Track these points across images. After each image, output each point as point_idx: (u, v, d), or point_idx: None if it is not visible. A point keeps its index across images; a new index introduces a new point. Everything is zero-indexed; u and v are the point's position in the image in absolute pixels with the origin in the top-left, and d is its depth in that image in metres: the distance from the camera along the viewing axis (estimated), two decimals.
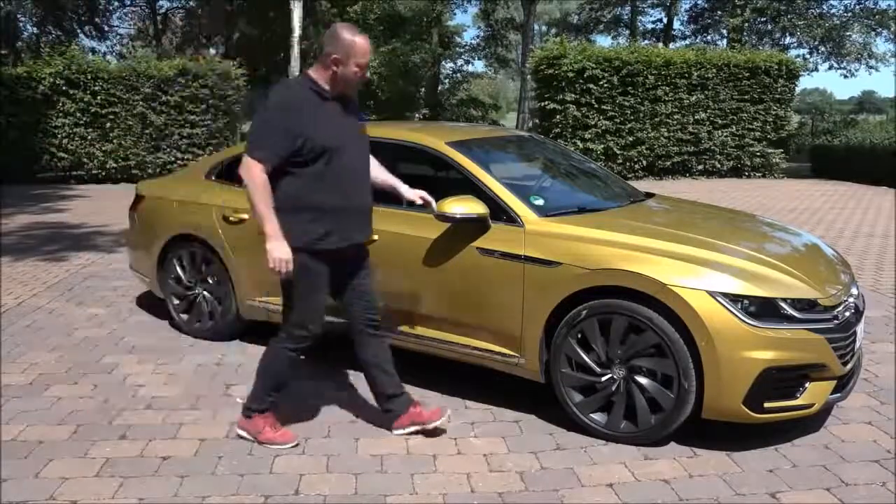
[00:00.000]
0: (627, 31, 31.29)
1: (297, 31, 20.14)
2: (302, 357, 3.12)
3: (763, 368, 2.90)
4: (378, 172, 3.31)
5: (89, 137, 14.19)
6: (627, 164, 15.11)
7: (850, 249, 7.53)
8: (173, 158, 14.44)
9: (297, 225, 2.88)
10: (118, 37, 30.66)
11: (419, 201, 3.34)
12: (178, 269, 4.57)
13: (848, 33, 25.49)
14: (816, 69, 30.39)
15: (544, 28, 46.37)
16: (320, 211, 2.89)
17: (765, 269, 3.11)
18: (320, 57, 2.92)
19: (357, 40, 2.84)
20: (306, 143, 2.82)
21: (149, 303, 5.33)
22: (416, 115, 29.17)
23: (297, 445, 3.12)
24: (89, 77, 14.05)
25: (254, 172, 2.81)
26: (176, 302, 4.64)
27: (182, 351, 4.35)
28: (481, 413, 3.49)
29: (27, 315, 5.09)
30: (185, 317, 4.62)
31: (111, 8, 28.76)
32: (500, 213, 3.43)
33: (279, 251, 2.84)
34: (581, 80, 14.66)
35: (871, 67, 26.47)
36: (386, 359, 3.22)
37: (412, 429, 3.22)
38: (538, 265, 3.25)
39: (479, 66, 60.10)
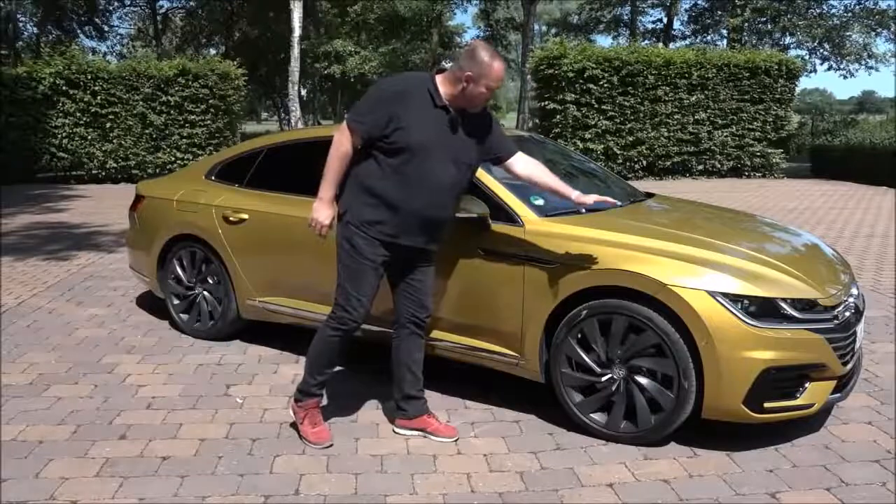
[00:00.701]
0: (627, 31, 31.31)
1: (297, 31, 20.15)
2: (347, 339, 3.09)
3: (763, 368, 2.90)
4: (546, 180, 3.18)
5: (89, 137, 14.21)
6: (627, 164, 15.12)
7: (850, 249, 7.54)
8: (173, 158, 14.46)
9: (358, 205, 2.95)
10: (118, 37, 30.73)
11: (591, 202, 3.16)
12: (178, 269, 4.57)
13: (848, 33, 25.50)
14: (815, 70, 30.44)
15: (544, 28, 46.38)
16: (383, 201, 2.92)
17: (765, 269, 3.10)
18: (453, 69, 2.92)
19: (495, 65, 2.84)
20: (395, 133, 2.84)
21: (149, 303, 5.33)
22: None
23: (330, 446, 3.12)
24: (89, 77, 14.07)
25: (343, 138, 2.91)
26: (176, 302, 4.64)
27: (182, 351, 4.35)
28: (481, 413, 3.49)
29: (27, 315, 5.09)
30: (185, 317, 4.62)
31: (111, 8, 28.80)
32: (500, 212, 3.42)
33: (320, 213, 2.97)
34: (581, 80, 14.67)
35: (870, 68, 26.49)
36: (418, 361, 3.26)
37: (414, 432, 3.23)
38: (538, 265, 3.25)
39: None
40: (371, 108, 2.88)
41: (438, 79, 2.93)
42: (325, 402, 3.59)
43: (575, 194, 3.15)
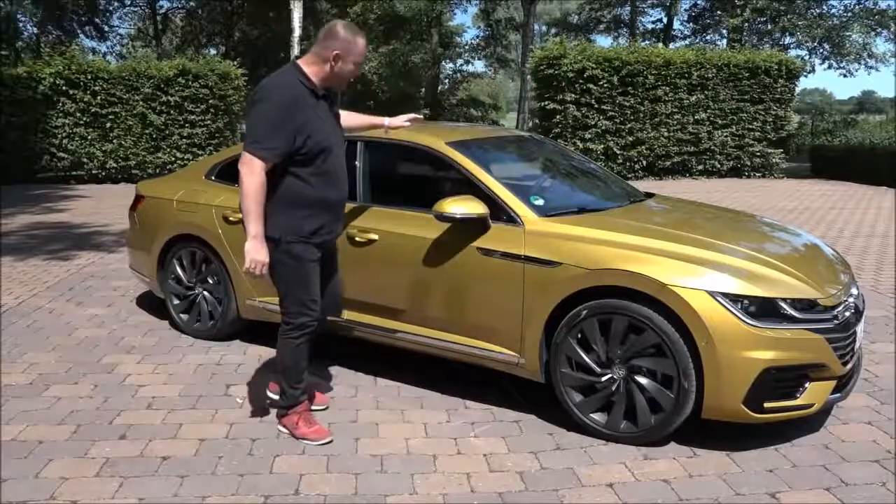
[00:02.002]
0: (627, 31, 31.30)
1: (297, 31, 20.14)
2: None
3: (763, 368, 2.90)
4: (358, 120, 3.56)
5: (89, 137, 14.19)
6: (627, 164, 15.11)
7: (850, 249, 7.54)
8: (173, 158, 14.45)
9: (293, 222, 2.94)
10: (118, 37, 30.69)
11: (407, 123, 3.66)
12: (178, 269, 4.57)
13: (848, 33, 25.50)
14: (814, 70, 30.44)
15: (544, 28, 46.36)
16: (317, 207, 2.98)
17: (765, 269, 3.10)
18: (316, 50, 2.94)
19: (359, 40, 2.93)
20: (307, 142, 2.86)
21: (149, 303, 5.33)
22: None
23: (331, 441, 3.14)
24: (89, 77, 14.06)
25: (254, 169, 2.81)
26: (176, 302, 4.64)
27: (182, 351, 4.35)
28: (481, 413, 3.49)
29: (27, 315, 5.09)
30: (185, 317, 4.62)
31: (111, 8, 28.78)
32: (499, 213, 3.43)
33: (258, 253, 2.88)
34: (581, 80, 14.66)
35: (870, 68, 26.49)
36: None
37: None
38: (538, 265, 3.25)
39: (479, 66, 60.10)
40: (274, 131, 2.81)
41: (304, 67, 2.94)
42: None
43: (387, 121, 3.63)
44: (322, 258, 3.11)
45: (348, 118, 3.42)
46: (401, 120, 3.66)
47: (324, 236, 3.04)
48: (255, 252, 2.88)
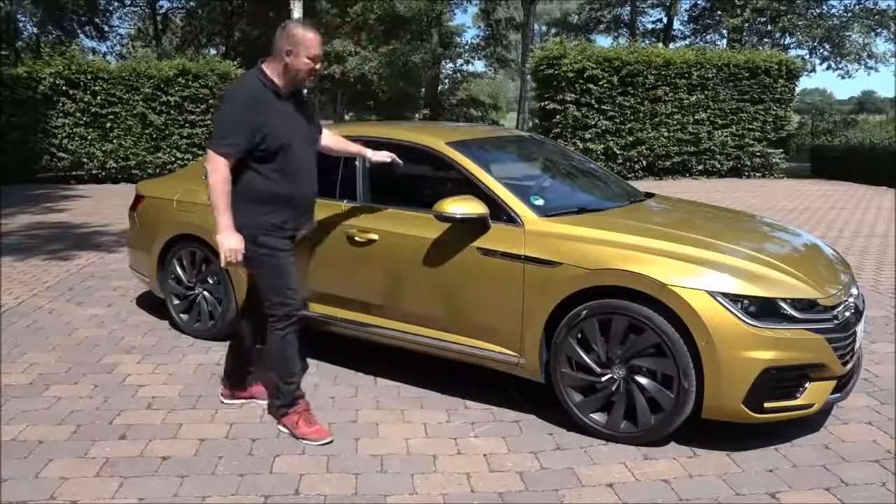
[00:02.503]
0: (627, 31, 31.30)
1: None
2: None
3: (763, 368, 2.90)
4: (340, 144, 3.65)
5: (89, 137, 14.19)
6: (627, 164, 15.11)
7: (850, 249, 7.54)
8: (173, 158, 14.45)
9: (257, 216, 3.07)
10: (118, 37, 30.67)
11: (388, 160, 3.68)
12: (178, 269, 4.57)
13: (848, 33, 25.49)
14: (814, 70, 30.43)
15: (544, 28, 46.36)
16: (277, 203, 3.09)
17: (765, 269, 3.10)
18: (273, 53, 3.10)
19: (308, 34, 3.06)
20: (266, 139, 3.01)
21: (149, 303, 5.33)
22: (416, 115, 29.17)
23: (331, 441, 3.15)
24: (89, 77, 14.05)
25: (218, 166, 2.98)
26: (176, 302, 4.64)
27: (182, 351, 4.35)
28: (481, 413, 3.49)
29: (27, 315, 5.09)
30: (185, 317, 4.62)
31: (111, 8, 28.76)
32: (499, 213, 3.43)
33: (230, 242, 3.02)
34: (581, 81, 14.66)
35: (870, 68, 26.49)
36: (260, 341, 3.41)
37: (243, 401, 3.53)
38: (538, 265, 3.25)
39: (479, 66, 60.07)
40: (235, 128, 2.98)
41: (265, 69, 3.10)
42: (325, 402, 3.59)
43: (369, 152, 3.68)
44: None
45: (331, 139, 3.56)
46: (383, 156, 3.69)
47: (289, 231, 3.16)
48: (227, 241, 3.01)
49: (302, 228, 3.27)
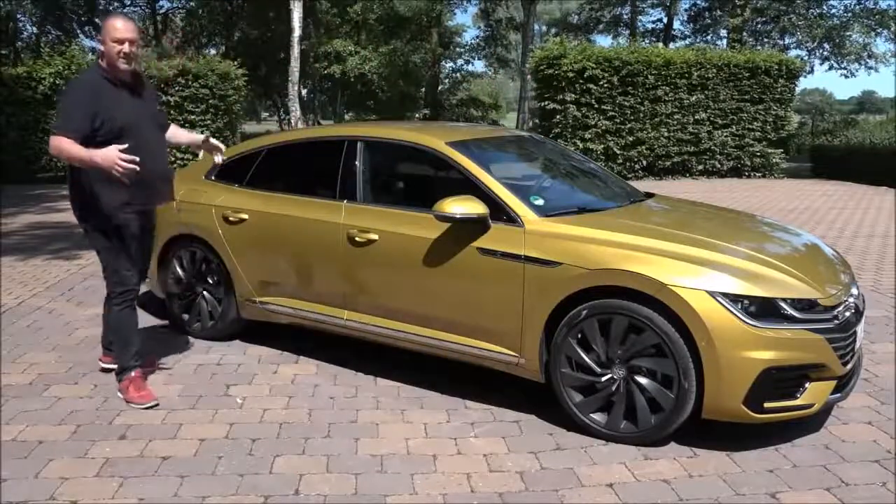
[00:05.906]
0: (627, 31, 31.30)
1: (297, 31, 20.14)
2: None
3: (763, 368, 2.90)
4: (182, 137, 3.97)
5: None
6: (627, 164, 15.11)
7: (850, 249, 7.53)
8: (173, 158, 14.43)
9: (106, 194, 3.37)
10: None
11: (220, 147, 3.94)
12: (179, 269, 4.57)
13: (848, 33, 25.49)
14: (812, 70, 30.42)
15: (544, 28, 46.36)
16: (119, 183, 3.29)
17: (765, 269, 3.10)
18: (99, 48, 3.45)
19: (110, 20, 3.40)
20: (105, 123, 3.29)
21: (149, 303, 5.32)
22: (416, 115, 29.16)
23: (156, 405, 3.49)
24: None
25: (61, 143, 3.23)
26: (176, 302, 4.64)
27: (182, 351, 4.35)
28: (481, 413, 3.49)
29: (27, 315, 5.09)
30: (185, 317, 4.62)
31: (111, 8, 28.75)
32: (499, 213, 3.43)
33: (101, 157, 3.16)
34: (581, 80, 14.66)
35: (870, 68, 26.48)
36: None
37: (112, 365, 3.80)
38: (538, 265, 3.24)
39: (479, 66, 60.04)
40: (75, 114, 3.27)
41: (101, 62, 3.44)
42: (324, 402, 3.59)
43: (200, 138, 3.93)
44: (141, 230, 3.56)
45: (174, 129, 3.91)
46: (214, 142, 3.93)
47: (136, 208, 3.47)
48: (107, 160, 3.14)
49: (150, 206, 3.61)
